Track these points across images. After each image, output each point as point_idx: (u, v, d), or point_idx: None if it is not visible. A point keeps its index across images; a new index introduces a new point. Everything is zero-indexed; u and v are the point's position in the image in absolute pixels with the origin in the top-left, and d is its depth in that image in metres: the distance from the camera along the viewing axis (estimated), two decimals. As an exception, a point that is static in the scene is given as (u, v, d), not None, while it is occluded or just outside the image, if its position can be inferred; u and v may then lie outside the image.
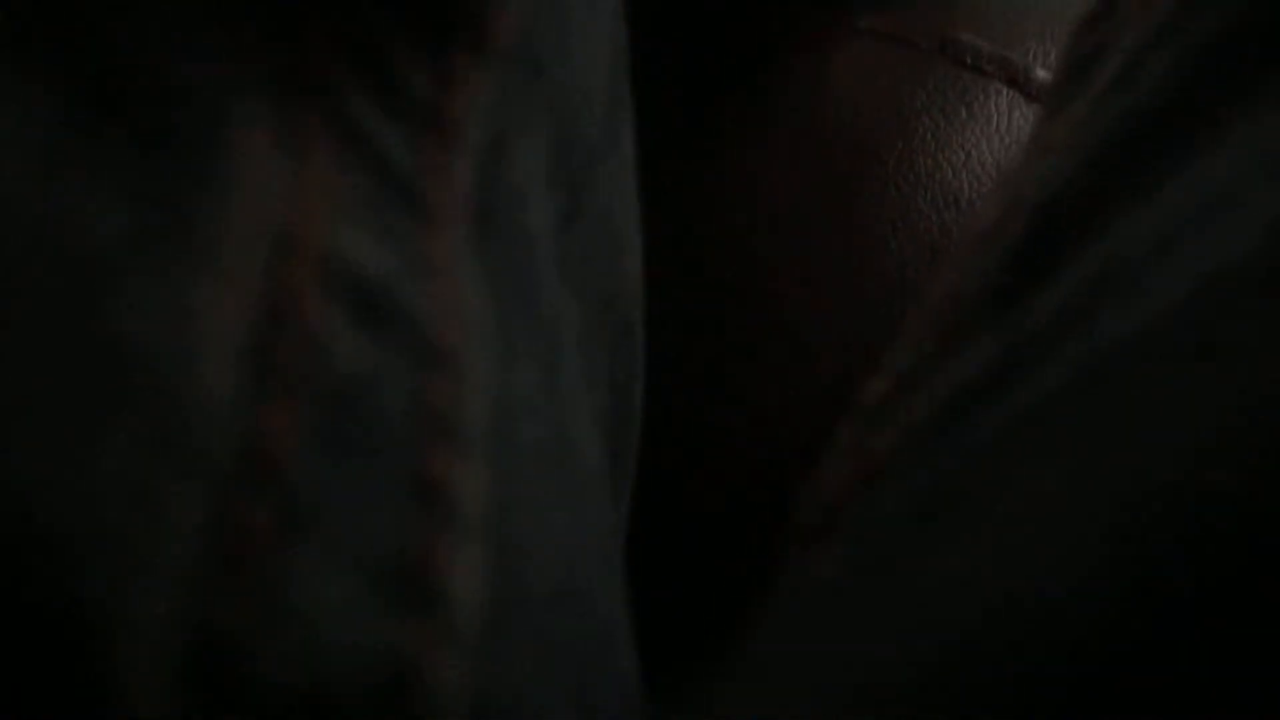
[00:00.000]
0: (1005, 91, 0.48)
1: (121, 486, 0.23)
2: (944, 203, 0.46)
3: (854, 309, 0.45)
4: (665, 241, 0.42)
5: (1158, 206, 0.25)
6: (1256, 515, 0.18)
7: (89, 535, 0.23)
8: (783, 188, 0.47)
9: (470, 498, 0.26)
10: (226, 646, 0.23)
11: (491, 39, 0.30)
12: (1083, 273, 0.27)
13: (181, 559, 0.23)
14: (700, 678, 0.25)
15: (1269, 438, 0.19)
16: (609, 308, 0.35)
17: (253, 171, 0.27)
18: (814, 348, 0.44)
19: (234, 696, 0.23)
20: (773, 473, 0.42)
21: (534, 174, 0.32)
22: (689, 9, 0.48)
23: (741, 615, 0.28)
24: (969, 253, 0.32)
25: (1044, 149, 0.33)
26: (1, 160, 0.26)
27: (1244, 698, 0.17)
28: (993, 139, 0.47)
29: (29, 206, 0.25)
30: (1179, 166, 0.25)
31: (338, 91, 0.28)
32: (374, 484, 0.25)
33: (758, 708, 0.24)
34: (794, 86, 0.48)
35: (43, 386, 0.24)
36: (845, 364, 0.43)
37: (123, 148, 0.26)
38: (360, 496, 0.25)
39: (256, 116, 0.27)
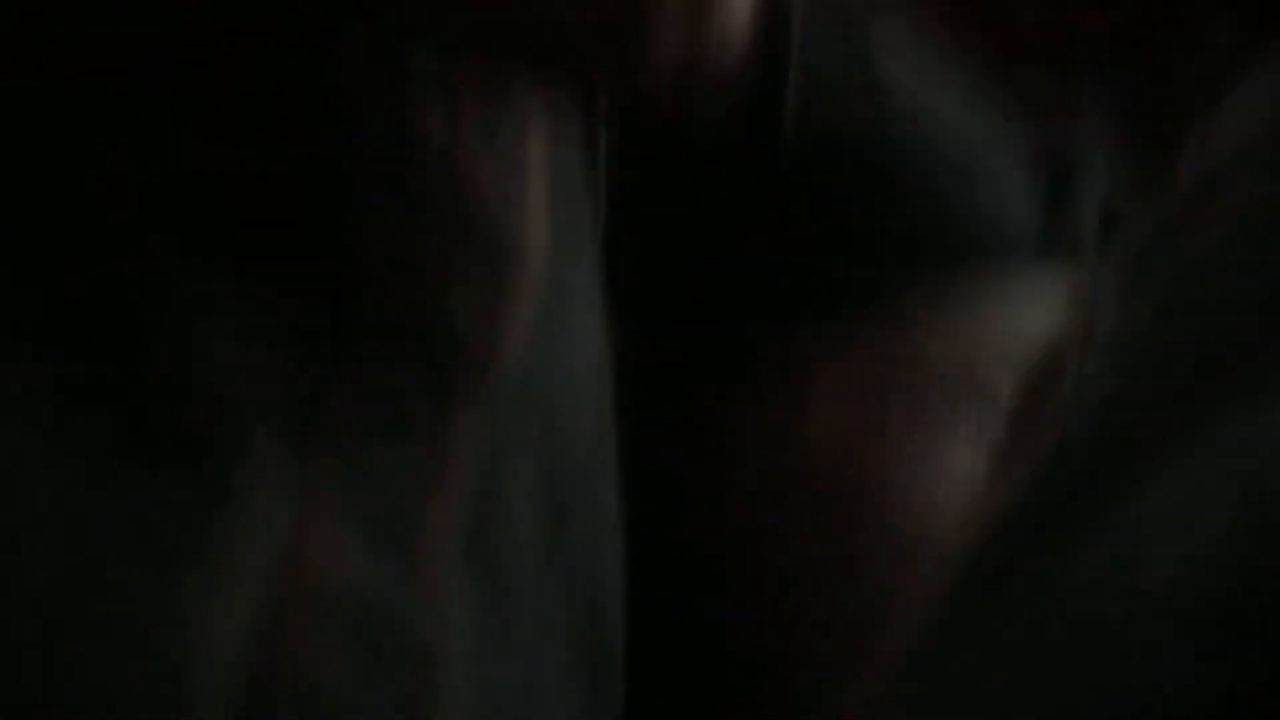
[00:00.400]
0: (976, 406, 0.51)
1: None
2: (919, 511, 0.48)
3: (835, 614, 0.46)
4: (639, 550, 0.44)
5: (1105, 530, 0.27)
6: None
7: None
8: (762, 497, 0.49)
9: None
10: None
11: (493, 374, 0.32)
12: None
13: None
14: None
15: None
16: (592, 625, 0.37)
17: (265, 491, 0.30)
18: (785, 663, 0.45)
19: None
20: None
21: (525, 493, 0.34)
22: (666, 318, 0.49)
23: None
24: (938, 563, 0.34)
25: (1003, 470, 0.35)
26: (33, 463, 0.28)
27: None
28: (964, 453, 0.49)
29: (54, 505, 0.27)
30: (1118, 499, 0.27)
31: (347, 421, 0.31)
32: None
33: None
34: (772, 395, 0.51)
35: (41, 681, 0.26)
36: (821, 677, 0.44)
37: (148, 452, 0.29)
38: None
39: (274, 439, 0.30)
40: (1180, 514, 0.26)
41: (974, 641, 0.28)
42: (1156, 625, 0.23)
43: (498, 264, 0.33)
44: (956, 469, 0.50)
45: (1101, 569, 0.26)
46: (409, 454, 0.31)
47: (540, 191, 0.35)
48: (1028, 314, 0.54)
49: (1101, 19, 0.40)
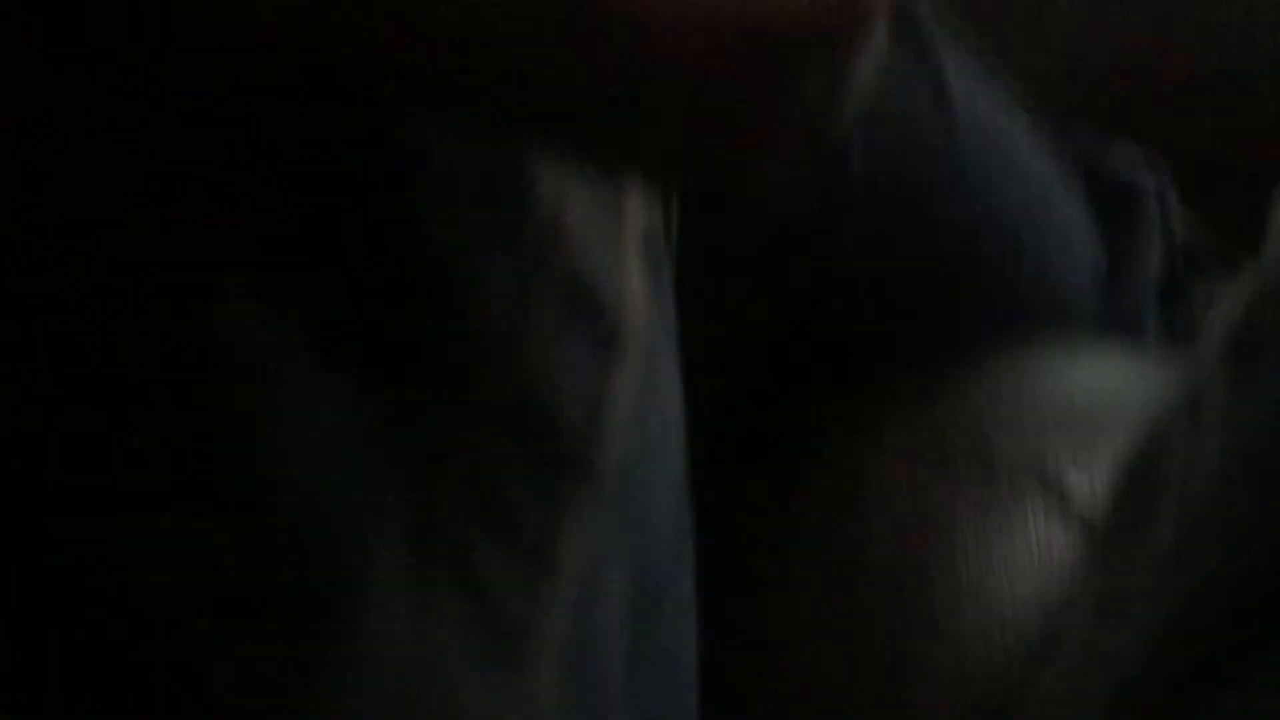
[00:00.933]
0: (1041, 502, 0.48)
1: None
2: (986, 615, 0.45)
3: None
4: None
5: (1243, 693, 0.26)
6: None
7: None
8: (824, 593, 0.47)
9: None
10: None
11: (596, 469, 0.32)
12: None
13: None
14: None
15: None
16: None
17: (383, 626, 0.29)
18: None
19: None
20: None
21: (615, 606, 0.34)
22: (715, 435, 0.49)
23: None
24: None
25: (1103, 608, 0.33)
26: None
27: None
28: (1031, 552, 0.47)
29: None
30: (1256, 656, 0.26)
31: (464, 542, 0.31)
32: None
33: None
34: (828, 510, 0.49)
35: None
36: None
37: (269, 605, 0.28)
38: None
39: (392, 571, 0.29)
40: None
41: None
42: None
43: (602, 341, 0.33)
44: (1022, 564, 0.47)
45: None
46: (518, 569, 0.31)
47: (636, 261, 0.34)
48: (1093, 393, 0.51)
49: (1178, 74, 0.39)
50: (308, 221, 0.29)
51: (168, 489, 0.28)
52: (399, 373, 0.30)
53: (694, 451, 0.38)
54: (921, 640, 0.46)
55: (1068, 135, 0.55)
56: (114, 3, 0.26)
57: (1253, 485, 0.28)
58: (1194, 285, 0.54)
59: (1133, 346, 0.54)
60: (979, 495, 0.49)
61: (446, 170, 0.30)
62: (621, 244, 0.34)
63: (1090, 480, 0.49)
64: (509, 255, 0.31)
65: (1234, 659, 0.27)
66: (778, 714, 0.46)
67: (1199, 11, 0.59)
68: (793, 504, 0.50)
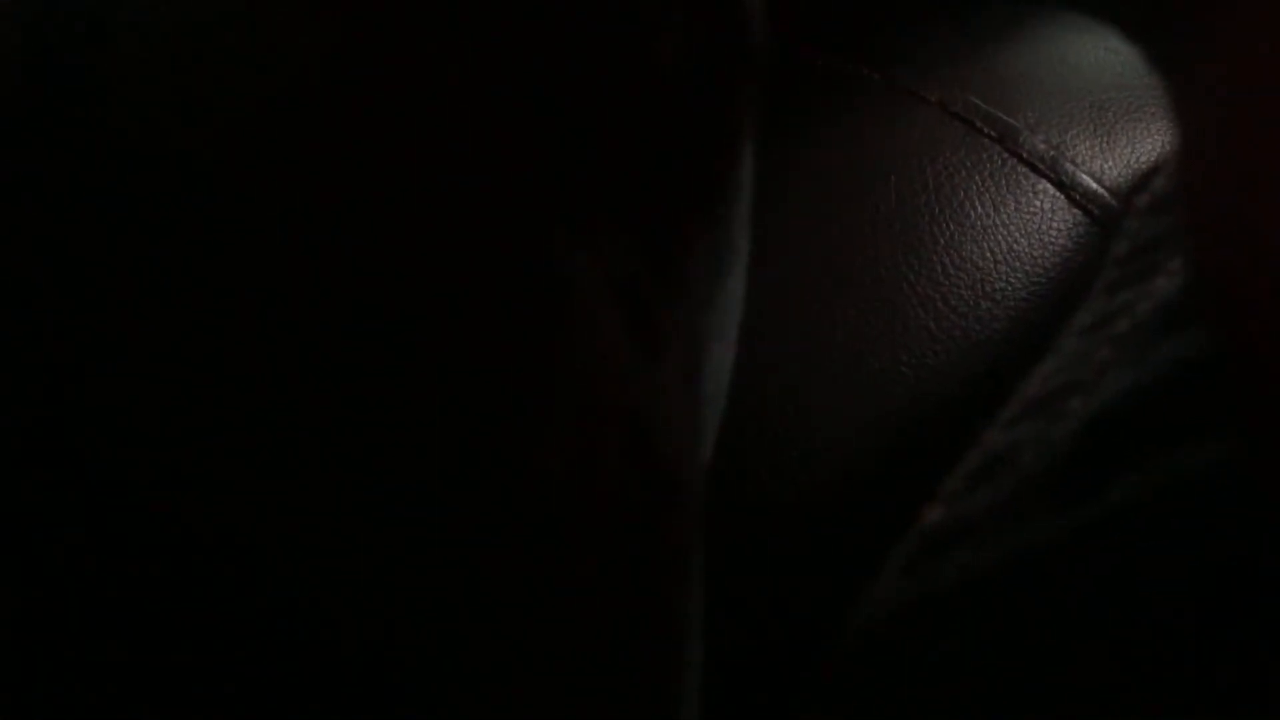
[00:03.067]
0: (1051, 191, 0.51)
1: None
2: (981, 293, 0.48)
3: (875, 387, 0.47)
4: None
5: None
6: None
7: None
8: (823, 247, 0.49)
9: None
10: None
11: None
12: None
13: None
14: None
15: None
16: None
17: (608, 354, 0.29)
18: (822, 424, 0.46)
19: None
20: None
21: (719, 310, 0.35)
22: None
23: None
24: (1027, 419, 0.35)
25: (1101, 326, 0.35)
26: None
27: None
28: (1032, 237, 0.50)
29: None
30: None
31: (638, 286, 0.31)
32: None
33: None
34: (854, 149, 0.50)
35: None
36: (862, 444, 0.45)
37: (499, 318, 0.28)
38: None
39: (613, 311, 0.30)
40: None
41: None
42: None
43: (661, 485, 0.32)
44: (1023, 256, 0.50)
45: None
46: (656, 275, 0.31)
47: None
48: (1126, 94, 0.53)
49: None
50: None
51: None
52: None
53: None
54: (915, 284, 0.49)
55: None
56: None
57: None
58: None
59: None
60: (997, 166, 0.51)
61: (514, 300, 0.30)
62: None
63: (1109, 176, 0.51)
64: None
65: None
66: (771, 328, 0.48)
67: None
68: (815, 140, 0.51)
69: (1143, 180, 0.48)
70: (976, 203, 0.50)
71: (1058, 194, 0.51)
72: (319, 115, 0.26)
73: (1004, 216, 0.50)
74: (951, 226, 0.50)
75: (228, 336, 0.25)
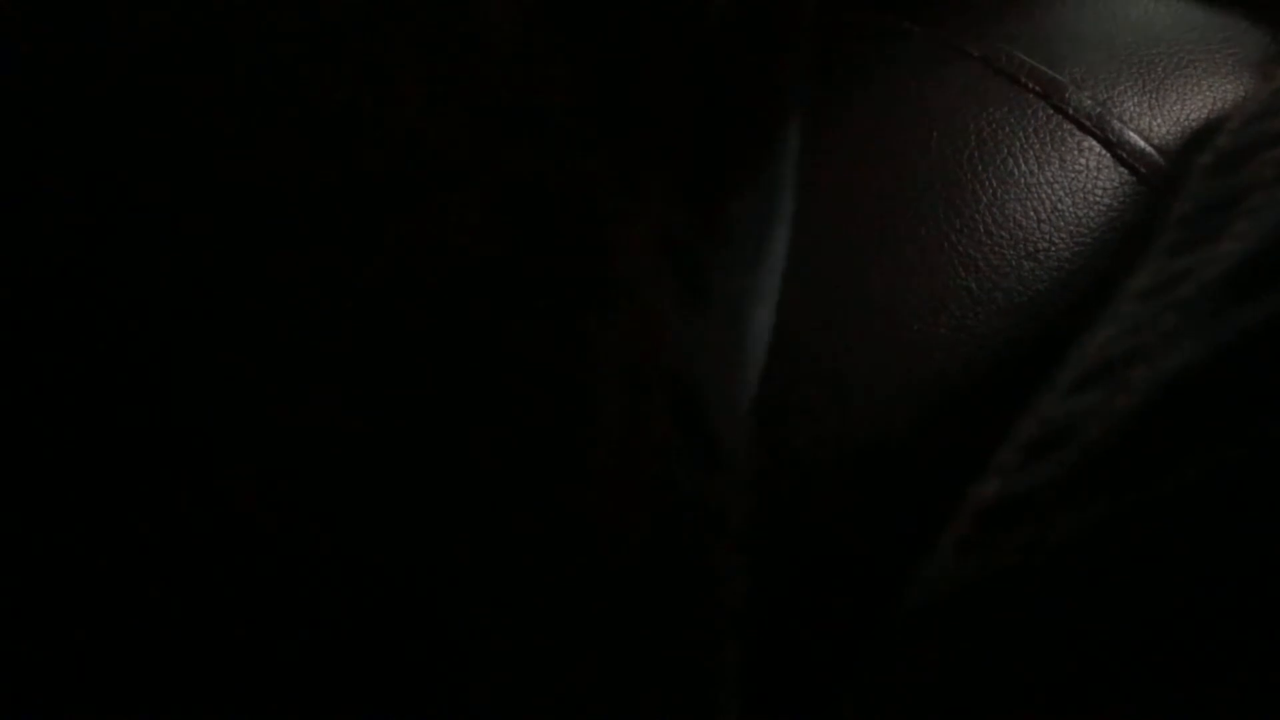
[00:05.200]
0: (1097, 149, 0.49)
1: None
2: (1024, 253, 0.47)
3: (913, 350, 0.46)
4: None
5: None
6: None
7: None
8: (863, 204, 0.48)
9: None
10: None
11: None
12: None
13: None
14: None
15: None
16: None
17: (654, 310, 0.29)
18: (858, 389, 0.45)
19: None
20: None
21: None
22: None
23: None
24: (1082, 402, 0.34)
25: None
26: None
27: None
28: (1077, 196, 0.48)
29: None
30: None
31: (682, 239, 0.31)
32: None
33: None
34: (896, 104, 0.49)
35: None
36: (896, 407, 0.44)
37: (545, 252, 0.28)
38: None
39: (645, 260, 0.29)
40: None
41: None
42: None
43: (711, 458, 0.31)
44: (1067, 215, 0.49)
45: None
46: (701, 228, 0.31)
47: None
48: (1174, 51, 0.52)
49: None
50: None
51: None
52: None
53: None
54: (957, 244, 0.47)
55: None
56: None
57: None
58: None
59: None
60: (1042, 122, 0.50)
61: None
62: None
63: (1157, 134, 0.50)
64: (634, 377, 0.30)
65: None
66: (807, 288, 0.47)
67: None
68: (862, 96, 0.50)
69: (1201, 138, 0.47)
70: (1020, 160, 0.49)
71: (1104, 152, 0.49)
72: (361, 52, 0.25)
73: (1048, 174, 0.49)
74: (994, 184, 0.48)
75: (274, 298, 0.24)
